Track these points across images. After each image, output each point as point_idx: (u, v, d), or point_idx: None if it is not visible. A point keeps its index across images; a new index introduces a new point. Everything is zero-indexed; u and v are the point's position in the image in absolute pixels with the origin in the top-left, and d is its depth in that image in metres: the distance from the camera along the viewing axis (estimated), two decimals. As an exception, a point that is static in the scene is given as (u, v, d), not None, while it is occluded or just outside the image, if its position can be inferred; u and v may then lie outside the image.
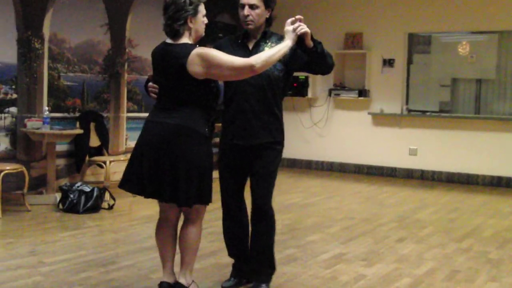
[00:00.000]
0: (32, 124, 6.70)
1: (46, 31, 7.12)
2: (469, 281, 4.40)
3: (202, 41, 3.62)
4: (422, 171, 9.90)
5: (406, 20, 9.91)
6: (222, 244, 5.15)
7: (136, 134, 8.55)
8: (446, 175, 9.72)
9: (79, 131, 7.10)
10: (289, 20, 3.54)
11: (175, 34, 3.50)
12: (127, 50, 8.19)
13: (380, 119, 10.24)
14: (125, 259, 4.72)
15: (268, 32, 3.81)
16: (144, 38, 8.45)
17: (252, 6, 3.69)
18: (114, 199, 6.70)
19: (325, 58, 3.64)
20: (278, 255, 4.01)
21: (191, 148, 3.45)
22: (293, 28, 3.50)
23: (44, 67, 7.13)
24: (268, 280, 3.97)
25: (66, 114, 7.39)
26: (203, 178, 3.49)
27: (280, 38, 3.67)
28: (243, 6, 3.72)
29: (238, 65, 3.37)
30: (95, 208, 6.44)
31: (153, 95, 3.65)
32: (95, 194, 6.47)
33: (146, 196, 3.59)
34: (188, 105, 3.48)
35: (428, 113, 9.87)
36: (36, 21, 7.02)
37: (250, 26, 3.72)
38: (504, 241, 5.70)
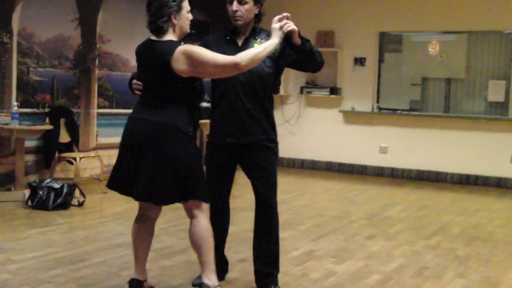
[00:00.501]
0: (0, 120, 6.60)
1: (15, 25, 7.02)
2: (437, 278, 4.46)
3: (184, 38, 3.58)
4: (392, 169, 10.00)
5: (378, 19, 9.99)
6: (193, 241, 5.15)
7: (107, 130, 8.57)
8: (415, 173, 9.83)
9: (48, 126, 7.01)
10: (276, 18, 3.49)
11: (159, 31, 3.45)
12: (98, 46, 8.12)
13: (351, 117, 10.31)
14: (95, 256, 4.68)
15: (258, 28, 3.76)
16: (116, 33, 8.39)
17: (241, 1, 3.62)
18: (84, 195, 6.64)
19: (313, 56, 3.60)
20: (248, 252, 4.02)
21: (176, 147, 3.40)
22: (279, 25, 3.45)
23: (13, 62, 7.03)
24: (277, 282, 3.91)
25: (35, 110, 7.29)
26: (193, 176, 3.44)
27: (270, 35, 3.60)
28: (231, 1, 3.65)
29: (222, 63, 3.31)
30: (64, 205, 6.37)
31: (137, 92, 3.60)
32: (64, 190, 6.40)
33: (135, 198, 3.54)
34: (173, 103, 3.44)
35: (398, 112, 9.97)
36: (4, 15, 6.91)
37: (239, 22, 3.66)
38: (471, 238, 5.79)
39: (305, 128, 10.54)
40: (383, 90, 10.28)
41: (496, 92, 9.40)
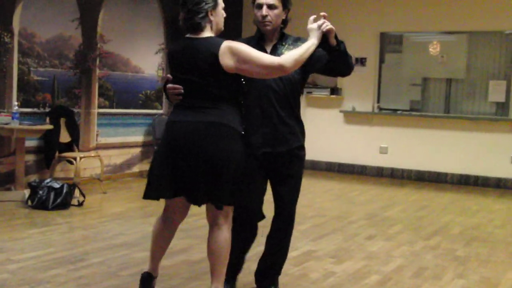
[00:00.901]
0: (1, 119, 6.60)
1: (16, 25, 7.02)
2: (436, 278, 4.47)
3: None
4: (392, 169, 10.00)
5: (378, 19, 9.99)
6: (193, 241, 5.17)
7: (107, 130, 8.59)
8: (415, 173, 9.83)
9: (49, 126, 7.02)
10: (312, 18, 3.43)
11: (197, 28, 3.32)
12: (98, 46, 8.13)
13: (352, 117, 10.32)
14: (95, 256, 4.68)
15: (285, 34, 3.67)
16: (116, 33, 8.40)
17: (270, 6, 3.52)
18: (84, 195, 6.64)
19: (347, 58, 3.52)
20: (249, 252, 4.02)
21: (230, 146, 3.29)
22: (317, 25, 3.38)
23: (14, 62, 7.04)
24: (277, 283, 3.96)
25: (36, 109, 7.30)
26: (241, 178, 3.34)
27: (296, 40, 3.60)
28: (260, 6, 3.53)
29: (267, 63, 3.23)
30: (64, 204, 6.38)
31: (175, 96, 3.39)
32: (64, 190, 6.40)
33: (195, 203, 3.43)
34: (221, 102, 3.32)
35: (399, 112, 9.98)
36: (5, 15, 6.92)
37: (268, 27, 3.54)
38: (471, 239, 5.79)
39: (305, 128, 10.51)
40: (383, 90, 10.28)
41: (496, 92, 9.41)
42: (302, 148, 3.73)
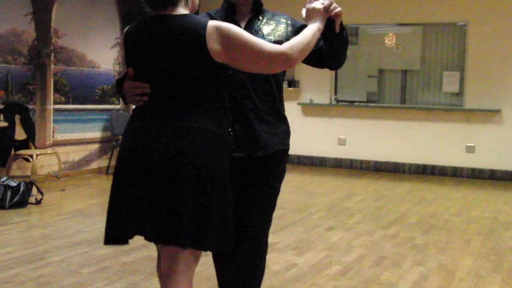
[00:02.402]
0: (-47, 117, 6.45)
1: (-33, 20, 6.87)
2: (396, 266, 4.54)
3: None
4: (351, 160, 10.12)
5: (334, 12, 10.04)
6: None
7: (64, 127, 8.44)
8: (374, 164, 9.97)
9: (3, 124, 6.88)
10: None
11: (169, 2, 2.42)
12: (53, 40, 7.99)
13: (310, 109, 10.39)
14: (54, 254, 4.62)
15: (262, 6, 2.87)
16: (71, 28, 8.28)
17: None
18: (42, 193, 6.54)
19: (346, 47, 2.81)
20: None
21: (220, 163, 2.42)
22: (324, 6, 2.64)
23: (-35, 58, 6.88)
24: None
25: (-11, 107, 7.15)
26: (222, 212, 2.42)
27: (273, 15, 2.87)
28: None
29: (269, 51, 2.38)
30: (22, 203, 6.27)
31: (137, 97, 2.43)
32: (21, 188, 6.30)
33: (151, 240, 2.42)
34: (203, 102, 2.41)
35: (356, 103, 10.09)
36: (-45, 10, 6.75)
37: None
38: (428, 227, 5.90)
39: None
40: (340, 82, 10.38)
41: (450, 83, 9.59)
42: (285, 153, 2.91)
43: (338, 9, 2.66)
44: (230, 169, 2.51)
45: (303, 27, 2.72)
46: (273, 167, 2.87)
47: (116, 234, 2.51)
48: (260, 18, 2.82)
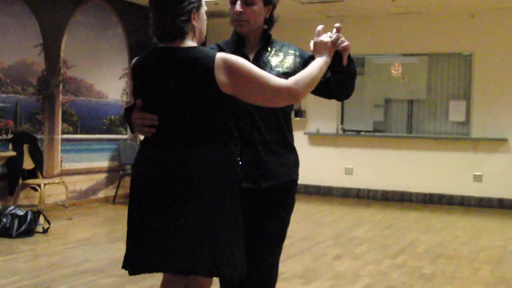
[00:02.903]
0: (-38, 147, 6.51)
1: (-23, 51, 6.96)
2: (403, 296, 4.51)
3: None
4: (358, 190, 10.10)
5: (340, 42, 10.13)
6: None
7: (72, 156, 8.49)
8: (381, 193, 9.94)
9: (12, 153, 6.93)
10: (320, 27, 2.73)
11: (178, 34, 2.47)
12: (62, 71, 8.08)
13: (316, 139, 10.41)
14: (61, 283, 4.62)
15: (271, 37, 2.89)
16: (80, 59, 8.37)
17: (246, 1, 2.74)
18: (49, 222, 6.55)
19: (354, 79, 2.83)
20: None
21: (230, 194, 2.48)
22: (332, 39, 2.66)
23: (-25, 88, 6.96)
24: None
25: (-2, 136, 7.21)
26: (232, 240, 2.48)
27: (283, 46, 2.88)
28: (234, 0, 2.78)
29: (274, 86, 2.43)
30: (29, 232, 6.28)
31: (145, 128, 2.49)
32: (28, 217, 6.31)
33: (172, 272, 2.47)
34: (212, 134, 2.46)
35: (362, 133, 10.11)
36: (-34, 41, 6.85)
37: (242, 28, 2.76)
38: (436, 256, 5.87)
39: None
40: (347, 112, 10.42)
41: (456, 112, 9.61)
42: (294, 183, 2.90)
43: (346, 43, 2.67)
44: (239, 200, 2.56)
45: (311, 58, 2.74)
46: (282, 197, 2.86)
47: (136, 264, 2.53)
48: (269, 49, 2.84)
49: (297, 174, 2.91)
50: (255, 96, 2.46)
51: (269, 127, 2.79)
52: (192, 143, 2.42)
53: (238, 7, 2.73)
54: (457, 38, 9.48)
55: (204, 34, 2.64)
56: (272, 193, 2.80)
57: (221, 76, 2.40)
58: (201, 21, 2.59)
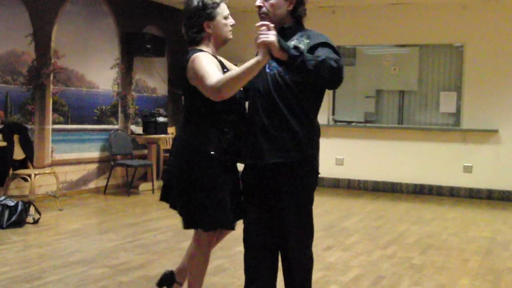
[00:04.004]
0: (-48, 137, 6.47)
1: (-33, 41, 6.91)
2: (393, 287, 4.54)
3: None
4: (349, 180, 10.13)
5: (332, 32, 10.06)
6: (151, 257, 5.14)
7: (62, 146, 8.48)
8: (371, 184, 9.98)
9: (2, 143, 6.89)
10: (257, 25, 2.79)
11: (192, 42, 3.17)
12: (52, 61, 8.04)
13: (308, 129, 10.40)
14: (51, 274, 4.61)
15: (291, 28, 3.01)
16: (71, 49, 8.33)
17: None
18: (39, 213, 6.54)
19: (308, 73, 2.74)
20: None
21: (190, 167, 3.14)
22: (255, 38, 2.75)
23: (-35, 78, 6.91)
24: None
25: (-12, 126, 7.17)
26: (197, 199, 3.13)
27: (303, 36, 2.99)
28: None
29: (207, 84, 2.89)
30: (19, 222, 6.26)
31: None
32: (19, 208, 6.29)
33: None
34: (195, 117, 3.16)
35: (353, 124, 10.13)
36: (-44, 30, 6.80)
37: (263, 21, 2.85)
38: (426, 247, 5.90)
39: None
40: (338, 103, 10.43)
41: (447, 103, 9.64)
42: (296, 164, 3.03)
43: (260, 39, 2.69)
44: (248, 177, 3.12)
45: (318, 45, 2.87)
46: (282, 176, 3.01)
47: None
48: (294, 39, 2.98)
49: (295, 157, 3.00)
50: (203, 91, 2.95)
51: (268, 113, 2.98)
52: (183, 124, 3.23)
53: (258, 1, 2.96)
54: (449, 29, 9.50)
55: (225, 35, 3.18)
56: (271, 171, 3.01)
57: (190, 72, 3.03)
58: (218, 27, 3.14)
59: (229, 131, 3.13)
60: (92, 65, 8.77)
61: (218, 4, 3.13)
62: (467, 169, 9.36)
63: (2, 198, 6.38)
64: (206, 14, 3.07)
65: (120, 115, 9.33)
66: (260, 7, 2.95)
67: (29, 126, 7.69)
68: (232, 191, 3.21)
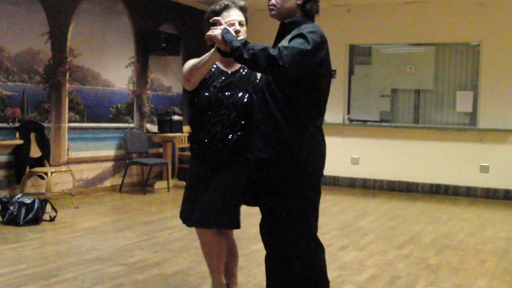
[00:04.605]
0: (-31, 135, 6.53)
1: (-15, 39, 6.96)
2: (409, 287, 4.51)
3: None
4: (364, 180, 10.10)
5: (348, 31, 10.11)
6: (167, 255, 5.15)
7: (78, 145, 8.54)
8: (387, 183, 9.94)
9: (19, 141, 6.95)
10: (215, 19, 3.08)
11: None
12: (68, 60, 8.08)
13: (323, 128, 10.37)
14: (68, 271, 4.64)
15: (293, 22, 3.02)
16: (87, 47, 8.37)
17: None
18: (56, 210, 6.58)
19: (247, 62, 2.79)
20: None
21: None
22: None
23: (-18, 77, 6.97)
24: None
25: (5, 124, 7.22)
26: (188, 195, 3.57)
27: (298, 30, 2.96)
28: None
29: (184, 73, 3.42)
30: (36, 220, 6.31)
31: None
32: (36, 206, 6.33)
33: None
34: (192, 114, 3.57)
35: (369, 123, 10.09)
36: (-26, 29, 6.86)
37: (272, 13, 3.05)
38: (442, 247, 5.87)
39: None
40: (353, 102, 10.39)
41: (464, 102, 9.58)
42: (283, 162, 2.98)
43: (207, 34, 2.92)
44: (251, 171, 3.12)
45: (297, 36, 2.86)
46: (268, 172, 3.00)
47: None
48: (287, 35, 2.99)
49: (283, 154, 2.95)
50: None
51: (260, 106, 3.05)
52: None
53: None
54: (465, 28, 9.43)
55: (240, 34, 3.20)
56: (259, 166, 3.03)
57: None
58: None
59: (203, 131, 3.44)
60: (108, 64, 8.80)
61: (221, 12, 3.36)
62: (484, 169, 9.29)
63: (19, 195, 6.43)
64: (210, 24, 3.18)
65: (135, 113, 9.36)
66: None
67: (45, 124, 7.74)
68: (217, 187, 3.40)
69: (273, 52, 2.72)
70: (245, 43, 2.80)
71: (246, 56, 2.75)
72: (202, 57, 3.20)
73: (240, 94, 3.40)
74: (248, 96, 3.39)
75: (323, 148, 3.18)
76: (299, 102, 2.97)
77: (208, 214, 3.37)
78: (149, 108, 9.66)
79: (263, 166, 3.01)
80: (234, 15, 3.35)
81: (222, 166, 3.41)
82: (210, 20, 3.12)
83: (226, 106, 3.39)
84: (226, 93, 3.41)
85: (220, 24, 2.97)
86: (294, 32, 2.92)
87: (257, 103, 3.11)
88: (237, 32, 3.09)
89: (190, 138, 3.55)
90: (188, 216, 3.48)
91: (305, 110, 3.00)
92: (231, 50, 2.81)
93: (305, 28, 2.91)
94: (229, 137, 3.37)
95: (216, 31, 2.88)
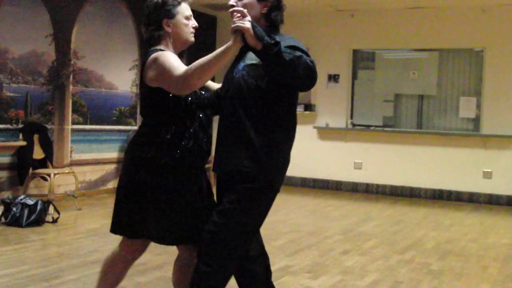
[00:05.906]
0: (-27, 136, 6.54)
1: (-11, 41, 6.98)
2: (411, 292, 4.51)
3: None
4: (367, 185, 10.09)
5: (351, 36, 10.12)
6: (169, 258, 5.14)
7: (81, 147, 8.53)
8: (390, 188, 9.93)
9: (22, 143, 6.96)
10: (231, 10, 2.71)
11: (149, 40, 2.95)
12: (72, 62, 8.09)
13: (326, 133, 10.39)
14: (70, 273, 4.64)
15: (272, 34, 2.70)
16: (90, 50, 8.38)
17: None
18: (58, 212, 6.58)
19: (285, 66, 2.57)
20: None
21: (131, 175, 2.98)
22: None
23: (-14, 78, 6.98)
24: None
25: (8, 126, 7.23)
26: (117, 203, 3.20)
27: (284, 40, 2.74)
28: None
29: (175, 75, 2.68)
30: (38, 221, 6.31)
31: None
32: (38, 207, 6.34)
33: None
34: (149, 120, 2.95)
35: (372, 128, 10.08)
36: (-22, 30, 6.87)
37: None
38: (444, 253, 5.85)
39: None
40: (356, 107, 10.39)
41: (467, 108, 9.57)
42: (248, 177, 2.81)
43: (235, 25, 2.56)
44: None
45: (288, 47, 2.66)
46: (232, 185, 2.84)
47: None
48: None
49: (251, 169, 2.79)
50: (168, 86, 2.74)
51: (229, 118, 2.84)
52: (140, 126, 2.99)
53: (231, 0, 2.83)
54: (468, 34, 9.44)
55: (185, 37, 2.98)
56: (225, 180, 2.91)
57: (150, 72, 2.81)
58: (178, 26, 2.94)
59: (186, 138, 2.89)
60: (112, 66, 8.82)
61: (179, 3, 2.97)
62: (487, 175, 9.28)
63: (22, 197, 6.43)
64: (165, 11, 2.91)
65: (138, 116, 9.37)
66: (233, 6, 2.76)
67: (48, 126, 7.75)
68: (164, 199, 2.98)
69: (310, 63, 2.60)
70: (278, 42, 2.57)
71: (286, 58, 2.55)
72: (215, 53, 2.61)
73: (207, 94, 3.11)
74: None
75: (287, 165, 3.02)
76: (273, 115, 2.83)
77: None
78: (152, 111, 9.65)
79: (230, 180, 2.86)
80: (188, 9, 3.05)
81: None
82: (231, 10, 2.68)
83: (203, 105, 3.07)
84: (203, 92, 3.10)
85: (244, 15, 2.58)
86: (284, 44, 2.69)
87: (226, 112, 2.88)
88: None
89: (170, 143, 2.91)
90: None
91: (281, 123, 2.87)
92: (264, 48, 2.55)
93: (288, 39, 2.78)
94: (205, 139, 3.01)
95: (246, 24, 2.54)
